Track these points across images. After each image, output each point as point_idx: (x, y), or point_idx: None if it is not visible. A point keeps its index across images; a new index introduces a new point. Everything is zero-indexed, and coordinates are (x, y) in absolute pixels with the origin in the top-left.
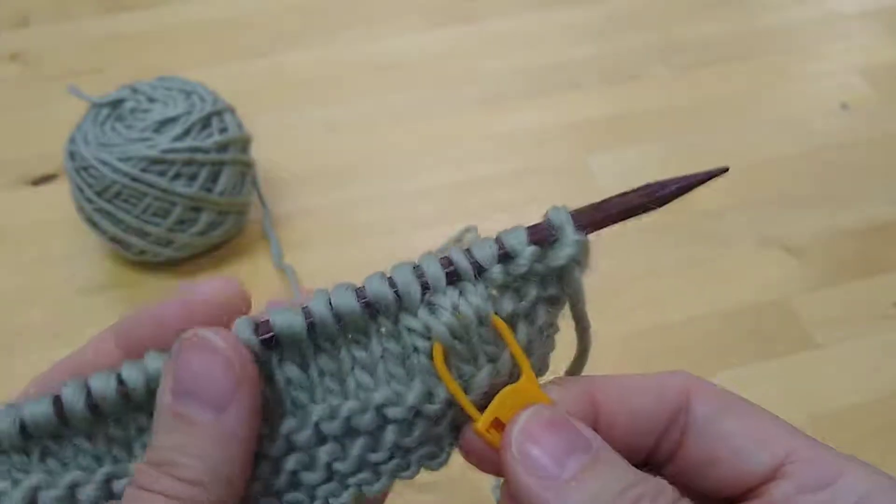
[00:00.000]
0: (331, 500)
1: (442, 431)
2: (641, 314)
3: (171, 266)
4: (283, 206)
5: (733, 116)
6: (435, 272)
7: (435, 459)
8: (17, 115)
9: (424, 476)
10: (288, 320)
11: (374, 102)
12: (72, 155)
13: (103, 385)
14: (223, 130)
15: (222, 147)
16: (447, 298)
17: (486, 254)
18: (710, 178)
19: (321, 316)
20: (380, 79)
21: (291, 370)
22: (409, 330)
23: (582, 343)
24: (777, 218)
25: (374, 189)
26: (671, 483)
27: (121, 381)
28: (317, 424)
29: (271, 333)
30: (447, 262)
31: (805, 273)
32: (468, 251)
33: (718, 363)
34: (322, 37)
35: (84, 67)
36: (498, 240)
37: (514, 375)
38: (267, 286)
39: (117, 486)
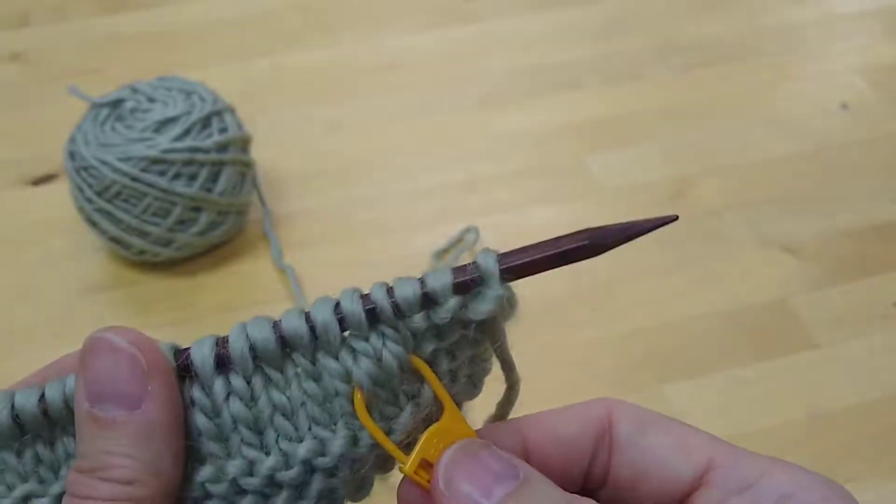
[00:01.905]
0: None
1: (367, 471)
2: (640, 314)
3: (171, 266)
4: (283, 206)
5: (733, 116)
6: (356, 315)
7: (359, 493)
8: (17, 115)
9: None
10: (205, 351)
11: (374, 102)
12: (72, 155)
13: (24, 400)
14: (223, 130)
15: (222, 147)
16: (369, 345)
17: (408, 296)
18: (656, 227)
19: (238, 349)
20: (380, 79)
21: (200, 420)
22: (329, 373)
23: (508, 382)
24: (777, 218)
25: (374, 189)
26: None
27: (42, 397)
28: (234, 479)
29: (184, 362)
30: (368, 301)
31: (805, 273)
32: (390, 290)
33: (718, 363)
34: (322, 37)
35: (84, 67)
36: (422, 282)
37: (438, 408)
38: (267, 286)
39: None
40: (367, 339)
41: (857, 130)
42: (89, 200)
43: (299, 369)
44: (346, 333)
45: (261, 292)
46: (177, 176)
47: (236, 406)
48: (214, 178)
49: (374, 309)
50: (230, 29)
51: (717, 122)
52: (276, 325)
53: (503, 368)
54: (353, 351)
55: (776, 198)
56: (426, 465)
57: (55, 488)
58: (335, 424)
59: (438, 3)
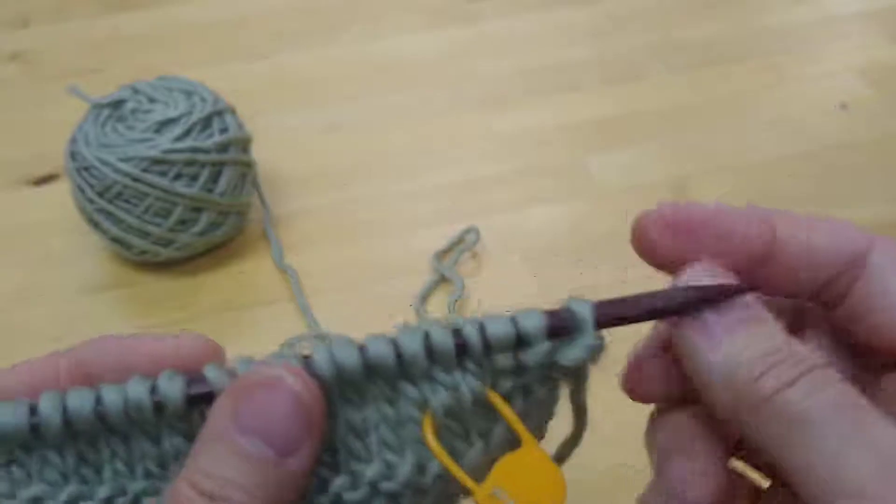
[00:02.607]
0: None
1: (428, 502)
2: None
3: (171, 266)
4: (283, 207)
5: (733, 116)
6: (446, 350)
7: None
8: (17, 115)
9: None
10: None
11: (374, 102)
12: (73, 155)
13: (80, 402)
14: (224, 131)
15: (223, 147)
16: (449, 377)
17: (500, 336)
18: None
19: (325, 370)
20: (380, 79)
21: None
22: (407, 398)
23: (577, 427)
24: None
25: (374, 189)
26: (835, 330)
27: (99, 401)
28: (310, 498)
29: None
30: (459, 336)
31: None
32: (482, 328)
33: None
34: (322, 37)
35: (84, 67)
36: (514, 321)
37: (510, 445)
38: (268, 286)
39: None
40: (449, 372)
41: (857, 130)
42: (90, 201)
43: (377, 391)
44: (431, 367)
45: (261, 292)
46: (178, 176)
47: None
48: (215, 178)
49: (463, 345)
50: (230, 29)
51: (717, 122)
52: (362, 349)
53: (575, 413)
54: (433, 380)
55: (776, 198)
56: (498, 498)
57: (102, 491)
58: (405, 450)
59: (438, 4)
